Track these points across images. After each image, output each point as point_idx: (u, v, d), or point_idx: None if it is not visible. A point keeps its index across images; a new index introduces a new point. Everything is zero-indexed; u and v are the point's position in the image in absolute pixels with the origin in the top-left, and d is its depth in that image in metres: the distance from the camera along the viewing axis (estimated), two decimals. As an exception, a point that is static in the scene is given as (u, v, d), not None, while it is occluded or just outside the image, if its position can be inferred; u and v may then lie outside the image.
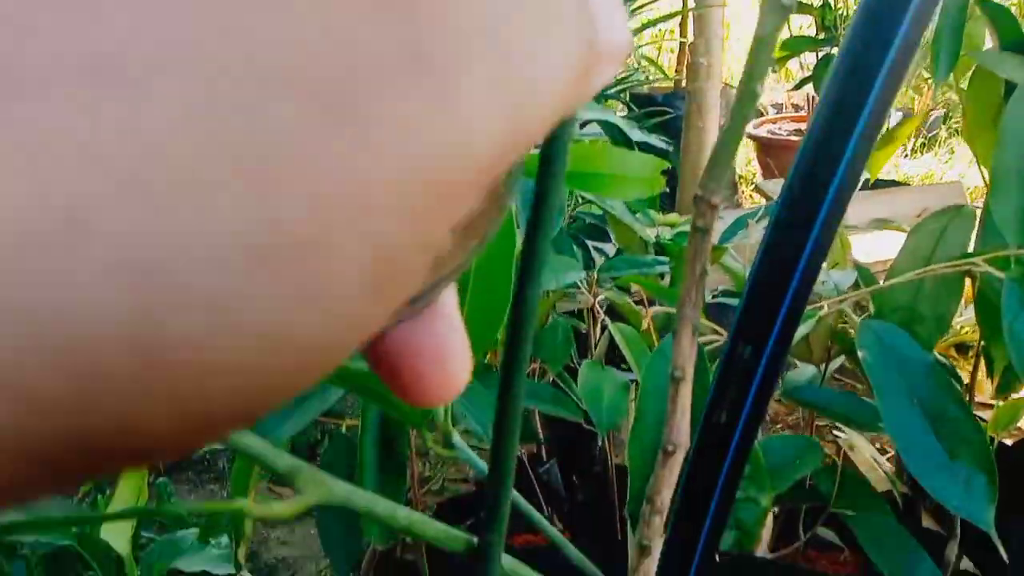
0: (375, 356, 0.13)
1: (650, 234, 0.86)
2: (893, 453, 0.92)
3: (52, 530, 0.57)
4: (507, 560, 0.33)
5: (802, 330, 0.60)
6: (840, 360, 0.73)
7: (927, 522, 0.75)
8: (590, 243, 0.94)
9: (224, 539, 0.64)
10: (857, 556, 0.71)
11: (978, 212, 0.66)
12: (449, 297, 0.14)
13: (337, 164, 0.08)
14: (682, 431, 0.34)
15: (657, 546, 0.37)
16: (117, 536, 0.58)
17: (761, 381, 0.32)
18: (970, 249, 0.63)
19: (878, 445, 0.91)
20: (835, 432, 0.76)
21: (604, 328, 0.82)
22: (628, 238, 0.86)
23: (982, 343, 0.67)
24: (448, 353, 0.14)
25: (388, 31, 0.08)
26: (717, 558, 0.60)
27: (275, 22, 0.08)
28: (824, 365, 0.71)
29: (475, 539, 0.31)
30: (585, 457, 1.08)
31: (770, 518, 0.57)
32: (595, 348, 0.74)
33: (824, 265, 0.32)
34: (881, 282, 0.65)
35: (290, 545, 1.36)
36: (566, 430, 1.01)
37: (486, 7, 0.09)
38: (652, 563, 0.37)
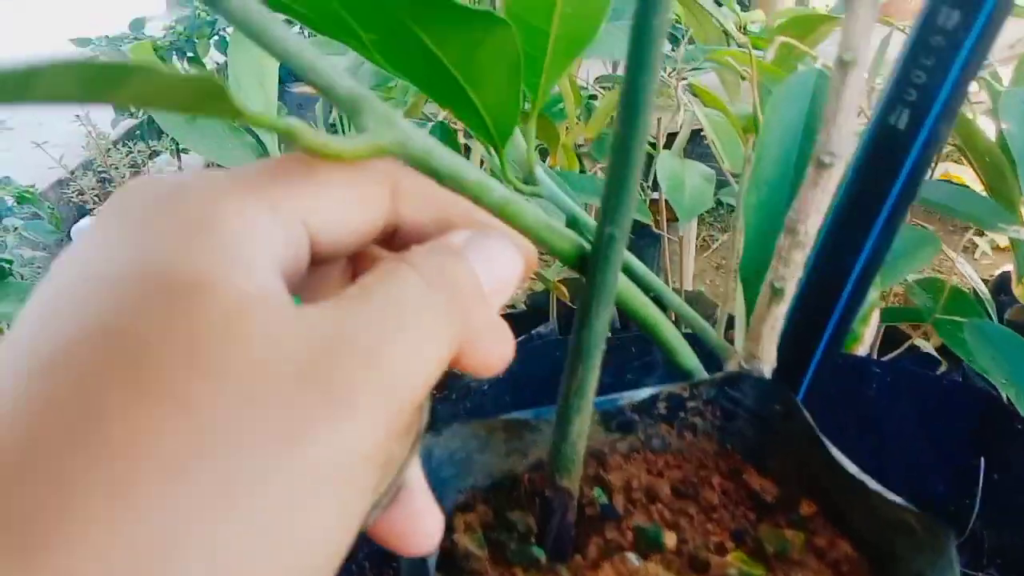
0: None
1: (732, 27, 0.77)
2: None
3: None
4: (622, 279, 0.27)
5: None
6: (944, 167, 0.65)
7: None
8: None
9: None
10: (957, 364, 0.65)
11: None
12: (415, 471, 0.20)
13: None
14: (843, 136, 0.27)
15: (790, 290, 0.30)
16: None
17: (972, 53, 0.25)
18: None
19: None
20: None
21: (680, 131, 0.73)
22: (707, 28, 0.76)
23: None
24: (423, 523, 0.19)
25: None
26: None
27: None
28: (932, 168, 0.63)
29: (586, 244, 0.25)
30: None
31: (874, 319, 0.50)
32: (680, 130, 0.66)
33: None
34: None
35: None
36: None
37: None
38: (782, 308, 0.30)
